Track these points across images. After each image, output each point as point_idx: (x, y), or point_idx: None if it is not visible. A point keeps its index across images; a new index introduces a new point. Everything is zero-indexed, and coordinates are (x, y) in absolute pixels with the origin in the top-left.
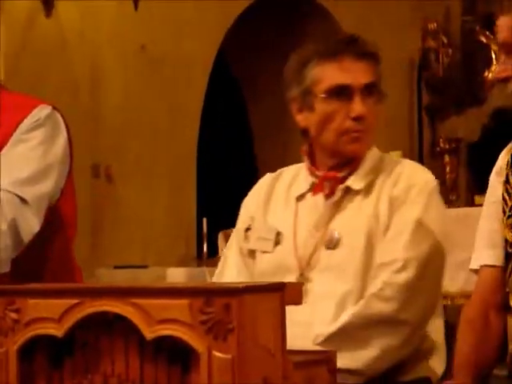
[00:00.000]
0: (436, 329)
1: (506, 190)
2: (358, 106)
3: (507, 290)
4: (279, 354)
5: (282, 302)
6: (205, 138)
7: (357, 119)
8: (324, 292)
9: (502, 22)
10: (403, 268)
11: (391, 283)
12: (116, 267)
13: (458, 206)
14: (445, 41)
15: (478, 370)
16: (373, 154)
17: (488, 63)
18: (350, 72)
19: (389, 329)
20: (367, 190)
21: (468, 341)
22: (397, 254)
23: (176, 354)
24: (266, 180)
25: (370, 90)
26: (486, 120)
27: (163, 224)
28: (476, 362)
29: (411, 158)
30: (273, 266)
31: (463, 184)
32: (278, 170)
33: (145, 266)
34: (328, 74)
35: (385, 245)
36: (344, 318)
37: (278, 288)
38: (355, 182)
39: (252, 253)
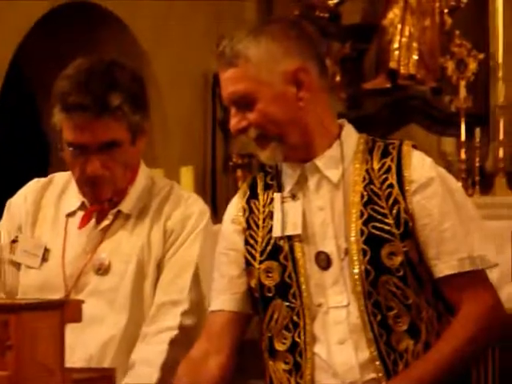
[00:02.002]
0: None
1: (251, 236)
2: (90, 167)
3: (269, 334)
4: (58, 371)
5: (62, 319)
6: None
7: (91, 177)
8: (91, 317)
9: (226, 76)
10: (190, 311)
11: (184, 327)
12: None
13: None
14: None
15: None
16: (142, 177)
17: None
18: (86, 131)
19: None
20: (140, 215)
21: (183, 379)
22: (181, 294)
23: None
24: (34, 186)
25: (112, 145)
26: None
27: None
28: None
29: (204, 173)
30: (38, 283)
31: None
32: (49, 176)
33: None
34: (65, 128)
35: (166, 282)
36: (155, 373)
37: (57, 305)
38: (127, 206)
39: (18, 264)
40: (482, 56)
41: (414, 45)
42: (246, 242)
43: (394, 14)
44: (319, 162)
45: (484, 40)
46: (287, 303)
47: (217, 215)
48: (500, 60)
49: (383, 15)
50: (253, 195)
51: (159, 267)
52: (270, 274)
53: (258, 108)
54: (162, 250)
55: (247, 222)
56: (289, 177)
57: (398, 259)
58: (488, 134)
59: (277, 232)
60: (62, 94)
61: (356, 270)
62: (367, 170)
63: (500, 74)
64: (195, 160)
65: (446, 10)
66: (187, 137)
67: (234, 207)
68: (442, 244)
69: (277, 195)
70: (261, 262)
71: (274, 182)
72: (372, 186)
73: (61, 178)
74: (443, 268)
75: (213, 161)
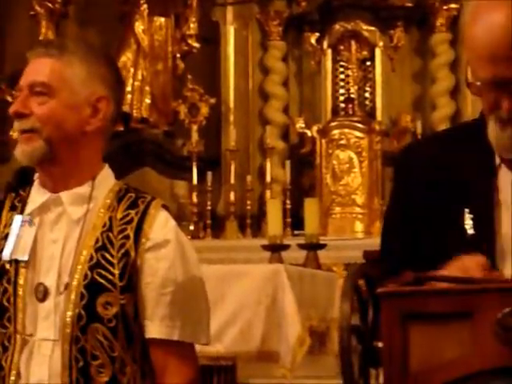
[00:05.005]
0: None
1: None
2: None
3: None
4: None
5: None
6: None
7: None
8: None
9: (39, 62)
10: None
11: None
12: None
13: None
14: None
15: None
16: None
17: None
18: None
19: None
20: None
21: None
22: None
23: None
24: None
25: None
26: (10, 177)
27: None
28: None
29: None
30: None
31: None
32: None
33: None
34: None
35: None
36: None
37: None
38: None
39: None
40: (213, 101)
41: (147, 88)
42: None
43: (127, 57)
44: (64, 196)
45: (216, 85)
46: (1, 327)
47: None
48: (231, 105)
49: (116, 58)
50: None
51: None
52: None
53: (51, 105)
54: None
55: None
56: (33, 202)
57: (113, 310)
58: (220, 177)
59: (6, 254)
60: None
61: (69, 313)
62: (110, 218)
63: (231, 118)
64: None
65: (178, 55)
66: None
67: None
68: (158, 307)
69: (16, 217)
70: None
71: (20, 205)
72: (109, 234)
73: None
74: (153, 330)
75: None
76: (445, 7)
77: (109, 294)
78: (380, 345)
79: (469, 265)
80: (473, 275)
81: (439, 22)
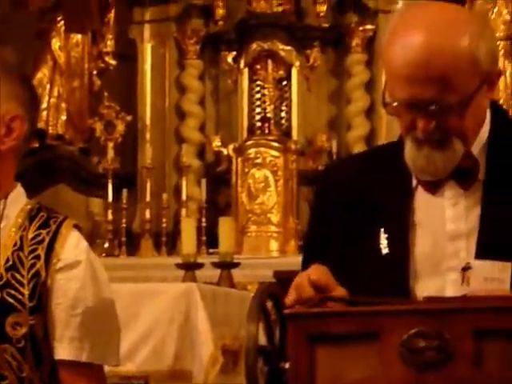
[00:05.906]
0: None
1: None
2: None
3: None
4: None
5: None
6: None
7: None
8: None
9: None
10: None
11: None
12: None
13: None
14: None
15: None
16: None
17: None
18: None
19: None
20: None
21: None
22: None
23: None
24: None
25: None
26: None
27: None
28: None
29: None
30: None
31: None
32: None
33: None
34: None
35: None
36: None
37: None
38: None
39: None
40: (130, 118)
41: (63, 105)
42: None
43: (43, 73)
44: None
45: (132, 103)
46: None
47: None
48: (148, 122)
49: (32, 75)
50: None
51: None
52: None
53: None
54: None
55: None
56: None
57: (22, 331)
58: (135, 195)
59: None
60: None
61: None
62: (21, 237)
63: (148, 136)
64: None
65: (95, 72)
66: None
67: None
68: (68, 328)
69: None
70: None
71: None
72: (20, 253)
73: None
74: (62, 352)
75: None
76: (361, 28)
77: (18, 315)
78: (287, 366)
79: (301, 282)
80: (304, 294)
81: (355, 43)
